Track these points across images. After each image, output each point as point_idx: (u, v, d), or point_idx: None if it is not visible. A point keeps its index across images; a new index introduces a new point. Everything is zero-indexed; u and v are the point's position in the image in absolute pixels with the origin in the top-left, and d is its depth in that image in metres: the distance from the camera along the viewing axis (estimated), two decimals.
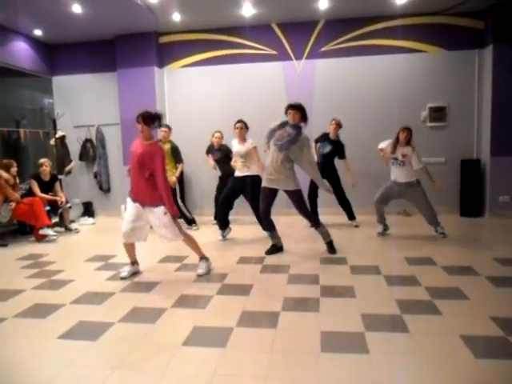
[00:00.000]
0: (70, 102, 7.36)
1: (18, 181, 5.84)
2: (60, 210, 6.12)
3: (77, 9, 5.58)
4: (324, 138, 5.71)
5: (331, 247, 4.52)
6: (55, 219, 6.14)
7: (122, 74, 6.97)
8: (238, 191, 5.14)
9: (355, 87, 6.63)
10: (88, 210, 7.25)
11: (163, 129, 5.78)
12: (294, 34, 6.67)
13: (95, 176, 7.41)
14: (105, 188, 7.41)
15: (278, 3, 5.85)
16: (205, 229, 5.97)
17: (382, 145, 5.14)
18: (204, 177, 6.94)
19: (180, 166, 5.90)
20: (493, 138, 6.17)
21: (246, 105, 6.70)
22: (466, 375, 2.16)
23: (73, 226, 6.32)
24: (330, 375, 2.19)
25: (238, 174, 5.07)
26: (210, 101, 6.96)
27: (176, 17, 6.18)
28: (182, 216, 5.76)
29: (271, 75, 6.78)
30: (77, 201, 7.30)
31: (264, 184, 4.47)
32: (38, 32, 6.62)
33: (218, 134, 5.97)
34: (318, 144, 5.73)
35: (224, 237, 5.27)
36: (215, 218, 6.22)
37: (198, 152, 6.38)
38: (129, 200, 3.84)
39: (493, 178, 6.25)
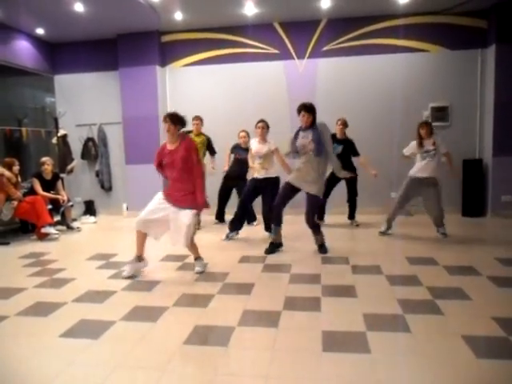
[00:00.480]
0: (71, 101, 7.37)
1: (20, 179, 5.84)
2: (62, 209, 6.12)
3: (79, 7, 5.59)
4: (332, 139, 5.67)
5: (322, 247, 4.53)
6: (57, 218, 6.14)
7: (124, 72, 6.98)
8: (257, 193, 5.16)
9: (357, 86, 6.62)
10: (90, 209, 7.26)
11: (195, 121, 5.66)
12: (296, 33, 6.66)
13: (97, 175, 7.42)
14: (106, 187, 7.42)
15: (280, 2, 5.84)
16: (207, 228, 5.97)
17: (407, 152, 5.15)
18: (206, 177, 6.90)
19: (215, 159, 5.89)
20: (495, 138, 6.17)
21: (247, 104, 6.68)
22: (467, 375, 2.16)
23: (74, 224, 6.33)
24: (332, 375, 2.19)
25: (257, 175, 5.05)
26: (212, 100, 6.95)
27: (178, 16, 6.18)
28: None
29: (273, 74, 6.77)
30: (78, 199, 7.31)
31: (290, 180, 4.41)
32: (40, 31, 6.63)
33: (243, 134, 5.76)
34: None
35: (229, 237, 5.24)
36: (216, 218, 6.23)
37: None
38: (159, 194, 3.89)
39: (495, 178, 6.24)
